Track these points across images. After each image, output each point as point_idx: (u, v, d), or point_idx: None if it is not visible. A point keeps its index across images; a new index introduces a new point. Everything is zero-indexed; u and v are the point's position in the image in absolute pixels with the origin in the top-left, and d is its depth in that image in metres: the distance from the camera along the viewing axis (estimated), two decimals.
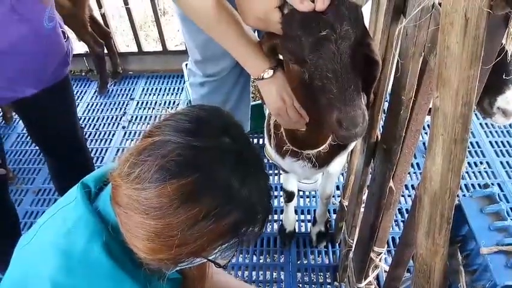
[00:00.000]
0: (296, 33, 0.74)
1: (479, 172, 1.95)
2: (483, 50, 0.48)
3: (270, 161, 2.11)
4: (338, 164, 1.33)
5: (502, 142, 2.07)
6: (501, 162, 1.98)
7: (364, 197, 1.24)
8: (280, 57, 0.91)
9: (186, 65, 2.36)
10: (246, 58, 0.91)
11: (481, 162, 1.99)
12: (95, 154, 2.26)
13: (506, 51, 0.54)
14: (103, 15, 2.60)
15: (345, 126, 0.70)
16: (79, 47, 2.87)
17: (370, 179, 1.12)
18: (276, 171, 2.08)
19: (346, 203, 1.48)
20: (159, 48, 2.75)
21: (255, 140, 2.26)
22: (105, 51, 2.56)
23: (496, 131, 2.13)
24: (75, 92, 2.70)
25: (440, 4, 0.57)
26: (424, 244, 0.66)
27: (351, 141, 0.83)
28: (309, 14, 0.72)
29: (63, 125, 1.39)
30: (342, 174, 1.95)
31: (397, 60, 0.77)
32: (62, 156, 1.48)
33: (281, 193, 1.94)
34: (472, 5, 0.44)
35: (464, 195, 0.61)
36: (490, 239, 0.56)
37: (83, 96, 2.68)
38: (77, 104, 2.58)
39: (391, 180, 0.95)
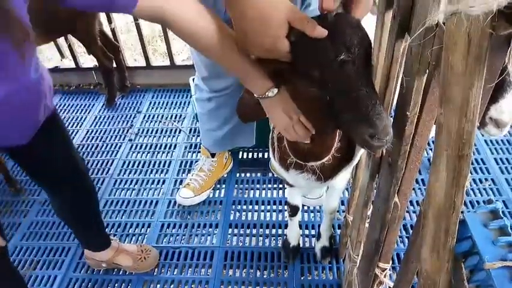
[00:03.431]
0: (313, 60, 0.77)
1: (484, 189, 1.95)
2: (485, 68, 0.49)
3: (275, 175, 2.12)
4: (343, 178, 1.33)
5: (507, 159, 2.07)
6: (506, 180, 1.97)
7: (369, 212, 1.25)
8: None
9: (193, 79, 2.39)
10: (250, 78, 0.91)
11: (486, 179, 1.99)
12: (101, 166, 2.29)
13: (507, 69, 0.55)
14: (113, 30, 2.65)
15: (378, 137, 0.74)
16: (88, 60, 2.93)
17: (374, 194, 1.13)
18: (280, 186, 2.08)
19: (351, 218, 1.48)
20: (166, 62, 2.80)
21: (260, 155, 2.27)
22: (114, 65, 2.61)
23: (501, 148, 2.13)
24: (82, 106, 2.74)
25: (444, 24, 0.59)
26: (429, 259, 0.67)
27: (382, 149, 0.86)
28: (322, 39, 0.75)
29: (57, 155, 1.33)
30: (347, 189, 1.95)
31: (402, 77, 0.79)
32: (60, 186, 1.43)
33: (285, 207, 1.95)
34: (475, 25, 0.46)
35: (468, 211, 0.61)
36: (494, 254, 0.56)
37: (90, 109, 2.71)
38: (84, 116, 2.64)
39: (396, 195, 0.95)
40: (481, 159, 2.09)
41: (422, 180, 2.02)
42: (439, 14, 0.61)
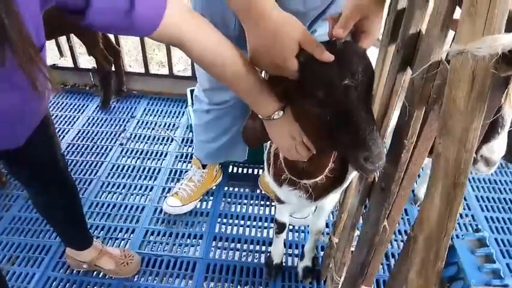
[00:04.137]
0: (319, 81, 0.81)
1: (464, 224, 2.01)
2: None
3: (263, 192, 2.14)
4: (332, 199, 1.37)
5: (487, 197, 2.15)
6: (485, 217, 2.04)
7: (355, 235, 1.28)
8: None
9: (191, 90, 2.43)
10: (259, 101, 0.94)
11: (466, 215, 2.05)
12: (89, 167, 2.28)
13: (503, 108, 0.60)
14: (115, 35, 2.67)
15: (372, 161, 0.78)
16: (86, 61, 2.94)
17: (363, 217, 1.17)
18: (268, 203, 2.10)
19: (336, 240, 1.51)
20: (162, 71, 2.83)
21: (250, 170, 2.30)
22: (113, 68, 2.62)
23: (483, 186, 2.21)
24: (76, 105, 2.74)
25: (448, 61, 0.64)
26: (416, 282, 0.70)
27: (374, 173, 0.90)
28: (329, 63, 0.80)
29: (43, 156, 1.31)
30: (332, 212, 1.98)
31: (402, 106, 0.84)
32: (44, 186, 1.41)
33: (271, 225, 1.97)
34: (480, 65, 0.51)
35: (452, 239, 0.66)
36: (480, 280, 0.60)
37: (84, 110, 2.71)
38: (78, 116, 2.63)
39: (385, 220, 0.99)
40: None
41: (405, 210, 2.07)
42: (444, 52, 0.66)
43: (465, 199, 2.14)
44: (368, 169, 0.81)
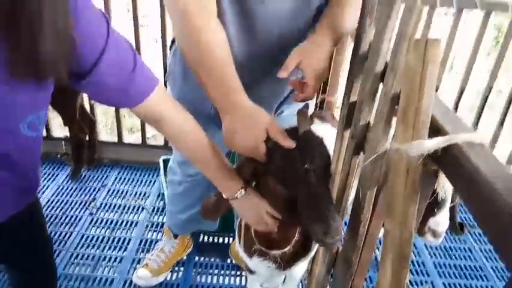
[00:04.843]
0: (283, 164, 0.95)
1: None
2: (421, 191, 0.68)
3: (234, 262, 2.18)
4: (300, 268, 1.45)
5: (444, 264, 2.28)
6: (443, 284, 2.15)
7: None
8: None
9: (164, 160, 2.52)
10: (221, 182, 1.08)
11: (426, 282, 2.16)
12: (58, 237, 2.25)
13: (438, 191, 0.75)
14: (91, 105, 2.78)
15: (331, 235, 0.88)
16: (58, 129, 2.98)
17: (330, 285, 1.25)
18: (238, 273, 2.13)
19: None
20: (131, 138, 2.89)
21: (221, 239, 2.34)
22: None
23: (439, 253, 2.35)
24: (46, 174, 2.75)
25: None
26: None
27: (333, 246, 1.01)
28: (291, 149, 0.94)
29: (40, 242, 1.24)
30: (301, 282, 2.04)
31: (357, 185, 0.97)
32: (26, 271, 1.29)
33: None
34: (412, 160, 0.65)
35: None
36: None
37: (54, 179, 2.72)
38: (47, 185, 2.63)
39: None
40: (422, 262, 2.28)
41: (370, 277, 2.16)
42: (385, 147, 0.82)
43: (424, 265, 2.26)
44: (327, 243, 0.91)
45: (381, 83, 0.87)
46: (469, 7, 2.27)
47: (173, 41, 1.50)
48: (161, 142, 2.94)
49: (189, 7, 0.98)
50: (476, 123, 2.68)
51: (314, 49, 1.11)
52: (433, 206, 1.08)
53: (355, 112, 1.01)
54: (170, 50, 1.51)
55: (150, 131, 3.26)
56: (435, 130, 0.64)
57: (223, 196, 1.08)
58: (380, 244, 1.17)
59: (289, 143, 0.96)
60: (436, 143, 0.60)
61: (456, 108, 2.61)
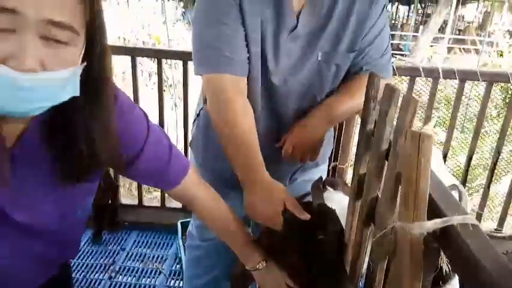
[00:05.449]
0: (298, 235, 1.03)
1: None
2: (424, 265, 0.74)
3: None
4: None
5: None
6: None
7: None
8: None
9: (182, 223, 2.59)
10: (245, 256, 1.16)
11: None
12: None
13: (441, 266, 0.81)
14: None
15: None
16: None
17: None
18: None
19: None
20: (149, 198, 3.00)
21: None
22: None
23: None
24: None
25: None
26: None
27: None
28: (306, 221, 1.03)
29: None
30: None
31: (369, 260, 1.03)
32: None
33: None
34: (415, 238, 0.72)
35: None
36: None
37: None
38: None
39: None
40: None
41: None
42: (393, 222, 0.89)
43: None
44: None
45: (386, 161, 0.96)
46: (472, 79, 2.38)
47: (198, 114, 1.64)
48: (179, 204, 3.02)
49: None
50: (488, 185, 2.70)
51: (307, 135, 1.31)
52: (438, 279, 1.13)
53: (364, 186, 1.09)
54: (193, 123, 1.65)
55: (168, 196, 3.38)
56: (436, 214, 0.72)
57: (246, 267, 1.16)
58: None
59: (305, 216, 1.05)
60: (434, 224, 0.68)
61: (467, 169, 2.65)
